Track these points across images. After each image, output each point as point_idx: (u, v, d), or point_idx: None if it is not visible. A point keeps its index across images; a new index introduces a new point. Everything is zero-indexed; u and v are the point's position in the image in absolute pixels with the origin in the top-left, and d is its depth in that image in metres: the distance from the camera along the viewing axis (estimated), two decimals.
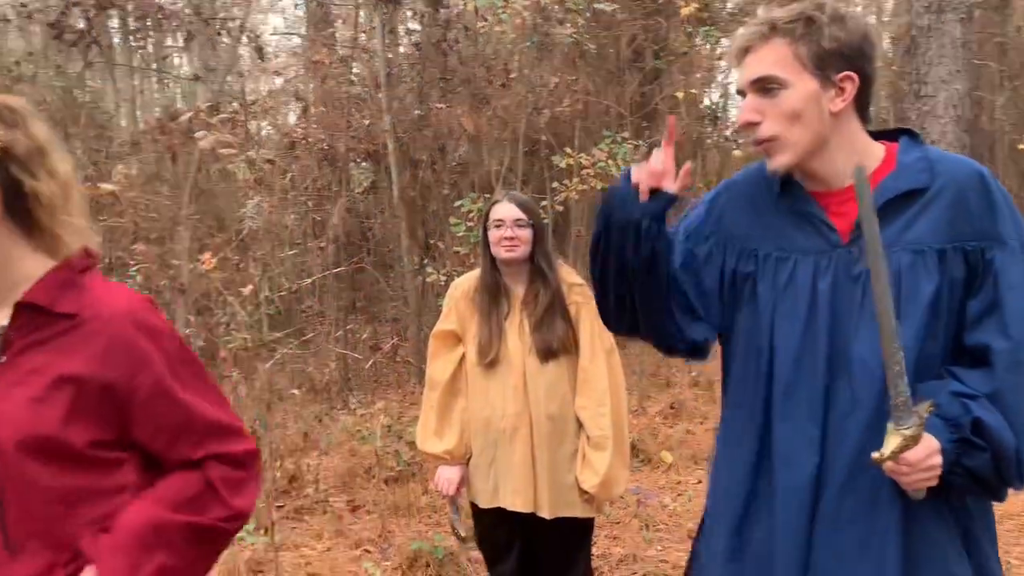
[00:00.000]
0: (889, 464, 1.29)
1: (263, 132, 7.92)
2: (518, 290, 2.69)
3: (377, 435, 4.82)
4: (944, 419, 1.32)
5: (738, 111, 1.40)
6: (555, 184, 6.16)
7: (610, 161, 5.70)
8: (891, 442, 1.28)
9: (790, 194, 1.47)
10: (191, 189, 5.45)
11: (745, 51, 1.41)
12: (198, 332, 4.58)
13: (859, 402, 1.37)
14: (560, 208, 6.09)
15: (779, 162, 1.40)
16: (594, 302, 2.68)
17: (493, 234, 2.64)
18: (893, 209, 1.38)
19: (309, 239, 7.45)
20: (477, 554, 3.35)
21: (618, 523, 4.06)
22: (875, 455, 1.28)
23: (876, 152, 1.44)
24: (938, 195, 1.37)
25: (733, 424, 1.54)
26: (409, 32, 8.15)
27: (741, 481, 1.49)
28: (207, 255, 3.52)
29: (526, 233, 2.63)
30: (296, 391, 5.33)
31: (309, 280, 6.17)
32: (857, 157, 1.40)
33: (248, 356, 4.92)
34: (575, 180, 5.99)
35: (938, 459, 1.30)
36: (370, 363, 6.40)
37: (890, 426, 1.29)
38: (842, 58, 1.37)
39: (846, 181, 1.41)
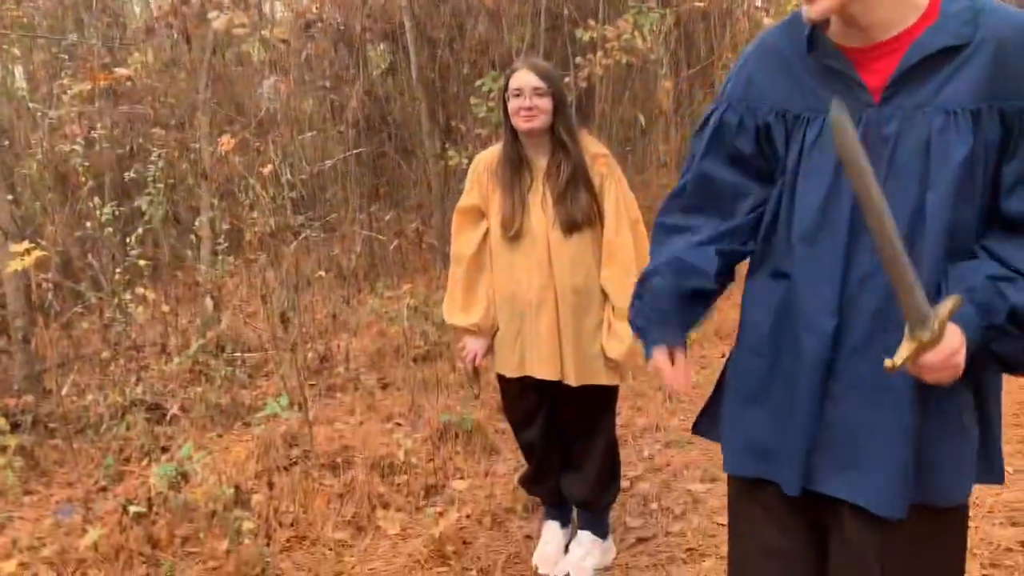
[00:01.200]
0: (906, 368, 1.26)
1: (277, 14, 7.71)
2: (540, 162, 2.66)
3: (404, 316, 4.89)
4: (977, 305, 1.28)
5: None
6: (578, 59, 5.98)
7: (636, 33, 5.50)
8: (904, 349, 1.23)
9: (820, 50, 1.40)
10: (208, 73, 5.37)
11: None
12: (222, 216, 4.62)
13: (879, 265, 1.33)
14: (584, 84, 5.92)
15: (820, 6, 1.30)
16: (619, 172, 2.67)
17: (512, 104, 2.59)
18: (930, 67, 1.31)
19: (328, 123, 7.36)
20: (504, 424, 3.45)
21: (642, 395, 4.14)
22: (887, 363, 1.24)
23: (920, 1, 1.33)
24: (978, 50, 1.29)
25: (756, 283, 1.54)
26: None
27: (764, 337, 1.50)
28: (226, 138, 3.50)
29: (545, 102, 2.57)
30: (323, 273, 5.38)
31: (330, 162, 6.13)
32: (901, 5, 1.32)
33: (274, 241, 4.97)
34: (599, 54, 5.80)
35: (961, 357, 1.26)
36: (394, 246, 6.43)
37: (905, 331, 1.24)
38: None
39: (886, 33, 1.34)
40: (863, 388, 1.39)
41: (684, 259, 1.56)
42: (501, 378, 2.82)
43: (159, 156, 4.96)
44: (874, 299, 1.36)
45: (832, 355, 1.40)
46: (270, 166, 3.83)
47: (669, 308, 1.58)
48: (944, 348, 1.24)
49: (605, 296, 2.64)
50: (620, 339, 2.59)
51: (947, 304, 1.23)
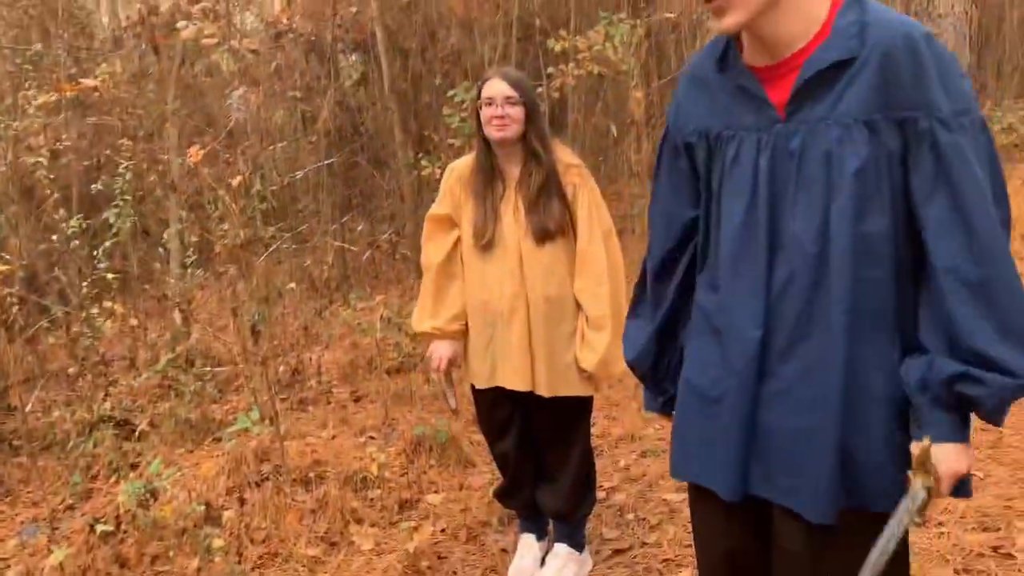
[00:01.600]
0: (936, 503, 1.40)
1: (247, 25, 7.66)
2: (513, 171, 2.65)
3: (377, 327, 4.85)
4: (934, 399, 1.35)
5: None
6: (550, 69, 5.99)
7: (607, 43, 5.52)
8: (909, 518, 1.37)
9: (731, 70, 1.46)
10: (176, 84, 5.32)
11: None
12: (191, 228, 4.56)
13: (795, 275, 1.40)
14: (556, 94, 5.93)
15: (731, 20, 1.33)
16: (592, 182, 2.67)
17: (484, 113, 2.59)
18: (825, 81, 1.34)
19: (299, 134, 7.31)
20: (478, 436, 3.43)
21: (617, 405, 4.14)
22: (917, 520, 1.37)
23: (820, 13, 1.36)
24: (866, 63, 1.31)
25: (699, 295, 1.60)
26: None
27: (703, 349, 1.56)
28: (195, 149, 3.46)
29: (518, 111, 2.56)
30: (294, 285, 5.34)
31: (301, 173, 6.09)
32: (804, 20, 1.35)
33: (244, 253, 4.92)
34: (571, 65, 5.82)
35: (965, 461, 1.37)
36: (366, 256, 6.39)
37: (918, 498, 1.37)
38: None
39: (789, 49, 1.37)
40: (790, 395, 1.44)
41: (634, 352, 1.73)
42: (474, 389, 2.80)
43: (127, 168, 4.89)
44: (793, 308, 1.41)
45: (760, 363, 1.45)
46: (240, 177, 3.79)
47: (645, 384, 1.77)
48: (945, 475, 1.36)
49: (578, 306, 2.63)
50: (593, 349, 2.58)
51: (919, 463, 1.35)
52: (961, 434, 1.37)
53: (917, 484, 1.37)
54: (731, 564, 1.62)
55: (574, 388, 2.64)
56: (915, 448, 1.37)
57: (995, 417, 1.36)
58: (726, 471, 1.51)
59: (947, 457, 1.36)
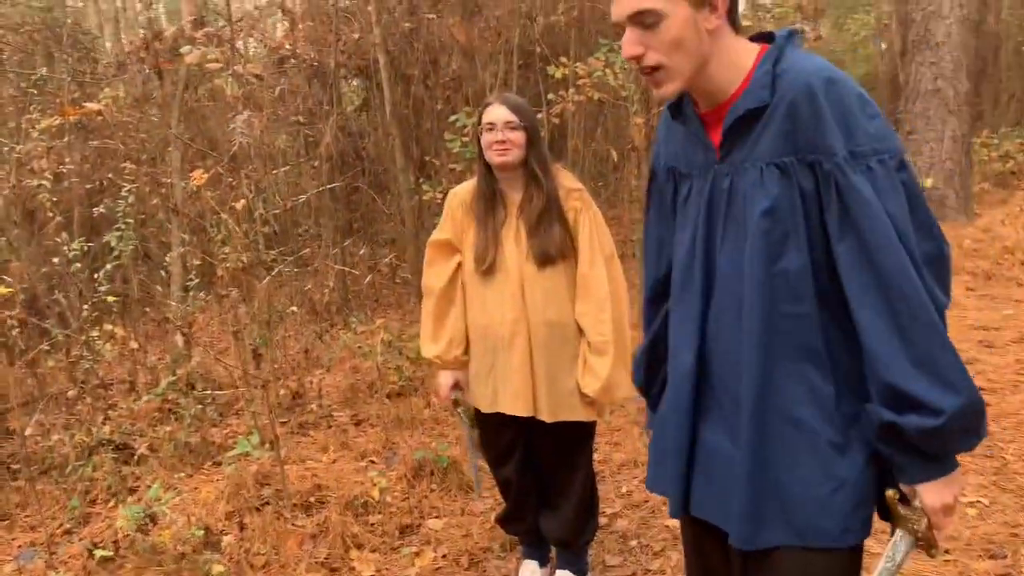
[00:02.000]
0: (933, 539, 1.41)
1: (251, 50, 7.73)
2: (514, 196, 2.66)
3: (378, 351, 4.84)
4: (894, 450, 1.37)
5: (621, 46, 1.44)
6: (551, 96, 6.04)
7: (607, 70, 5.56)
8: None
9: (683, 113, 1.56)
10: (180, 107, 5.34)
11: None
12: (194, 252, 4.56)
13: (724, 308, 1.48)
14: (556, 120, 5.97)
15: (668, 90, 1.44)
16: (594, 207, 2.68)
17: (485, 138, 2.60)
18: (745, 127, 1.43)
19: (302, 159, 7.35)
20: (480, 460, 3.41)
21: (619, 430, 4.12)
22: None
23: (745, 64, 1.45)
24: (775, 110, 1.39)
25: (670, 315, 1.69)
26: None
27: (667, 367, 1.64)
28: (198, 172, 3.47)
29: (518, 136, 2.57)
30: (295, 308, 5.34)
31: (303, 197, 6.11)
32: (731, 73, 1.44)
33: (245, 275, 4.92)
34: (571, 91, 5.87)
35: (948, 492, 1.37)
36: (367, 280, 6.39)
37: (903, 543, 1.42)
38: None
39: (723, 96, 1.45)
40: (720, 419, 1.51)
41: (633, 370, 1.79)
42: (477, 413, 2.79)
43: (129, 191, 4.91)
44: (724, 337, 1.49)
45: (696, 386, 1.54)
46: (243, 201, 3.80)
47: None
48: (936, 515, 1.38)
49: (580, 331, 2.63)
50: (595, 374, 2.57)
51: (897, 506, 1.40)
52: (932, 471, 1.36)
53: (896, 535, 1.40)
54: None
55: (576, 413, 2.63)
56: (889, 496, 1.40)
57: (944, 459, 1.36)
58: (673, 486, 1.58)
59: (927, 495, 1.36)
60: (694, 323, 1.53)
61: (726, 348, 1.49)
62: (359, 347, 5.15)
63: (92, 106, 5.31)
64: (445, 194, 3.19)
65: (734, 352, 1.47)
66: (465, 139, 5.73)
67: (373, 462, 3.96)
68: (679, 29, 1.38)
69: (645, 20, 1.38)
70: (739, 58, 1.45)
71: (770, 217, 1.39)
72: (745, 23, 6.72)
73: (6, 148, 5.22)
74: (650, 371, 1.74)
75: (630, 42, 1.41)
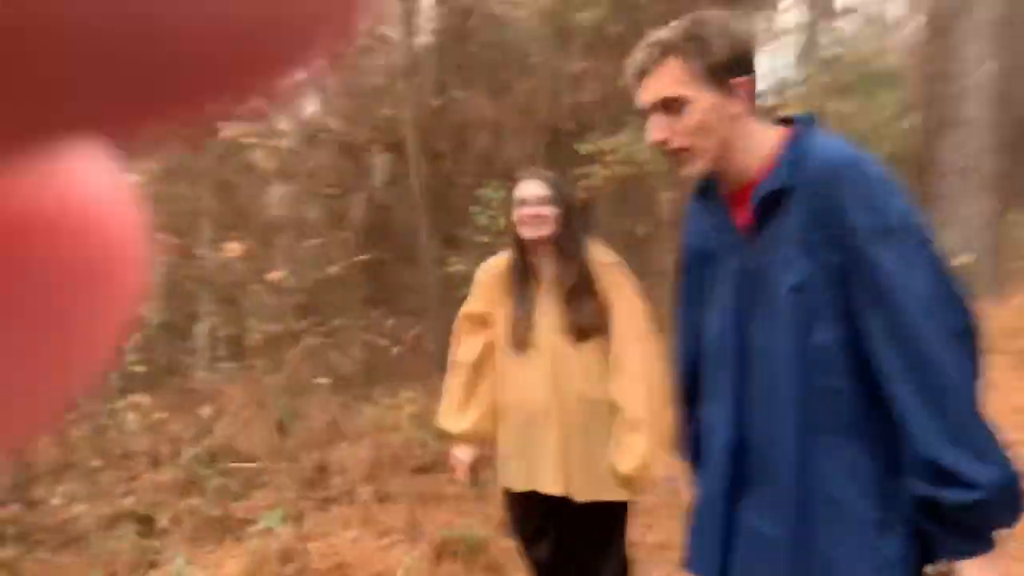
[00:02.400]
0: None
1: (282, 123, 7.93)
2: (548, 271, 2.66)
3: (404, 425, 4.81)
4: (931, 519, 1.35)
5: (647, 130, 1.50)
6: (579, 171, 6.12)
7: (635, 146, 5.65)
8: None
9: (710, 196, 1.61)
10: (212, 179, 5.47)
11: (642, 73, 1.49)
12: (223, 322, 4.60)
13: (760, 385, 1.50)
14: (585, 195, 6.04)
15: (693, 170, 1.49)
16: (629, 280, 2.68)
17: (517, 213, 2.62)
18: (771, 207, 1.47)
19: (330, 230, 7.45)
20: (508, 542, 3.33)
21: (652, 511, 4.02)
22: None
23: (769, 145, 1.50)
24: (799, 191, 1.43)
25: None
26: (429, 20, 8.12)
27: (704, 449, 1.64)
28: (235, 244, 3.53)
29: (550, 211, 2.59)
30: (324, 379, 5.34)
31: (333, 268, 6.18)
32: (755, 156, 1.49)
33: (272, 347, 4.94)
34: (599, 167, 5.95)
35: (990, 571, 1.33)
36: (394, 351, 6.40)
37: None
38: (734, 65, 1.46)
39: (747, 178, 1.50)
40: (759, 501, 1.50)
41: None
42: (506, 492, 2.74)
43: (160, 262, 4.98)
44: (760, 417, 1.49)
45: (733, 467, 1.53)
46: (277, 272, 3.84)
47: None
48: None
49: (615, 407, 2.59)
50: (630, 452, 2.52)
51: None
52: (972, 547, 1.33)
53: None
54: None
55: (611, 493, 2.58)
56: (929, 574, 1.37)
57: (984, 535, 1.32)
58: (712, 571, 1.56)
59: (968, 572, 1.33)
60: (729, 402, 1.54)
61: (763, 426, 1.49)
62: (384, 420, 5.12)
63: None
64: (470, 267, 3.21)
65: (771, 430, 1.47)
66: (492, 212, 5.80)
67: (398, 540, 3.90)
68: (703, 114, 1.44)
69: (670, 106, 1.44)
70: (762, 141, 1.50)
71: (799, 293, 1.42)
72: (772, 100, 6.82)
73: None
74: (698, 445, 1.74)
75: (656, 127, 1.46)
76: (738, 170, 1.50)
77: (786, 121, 1.55)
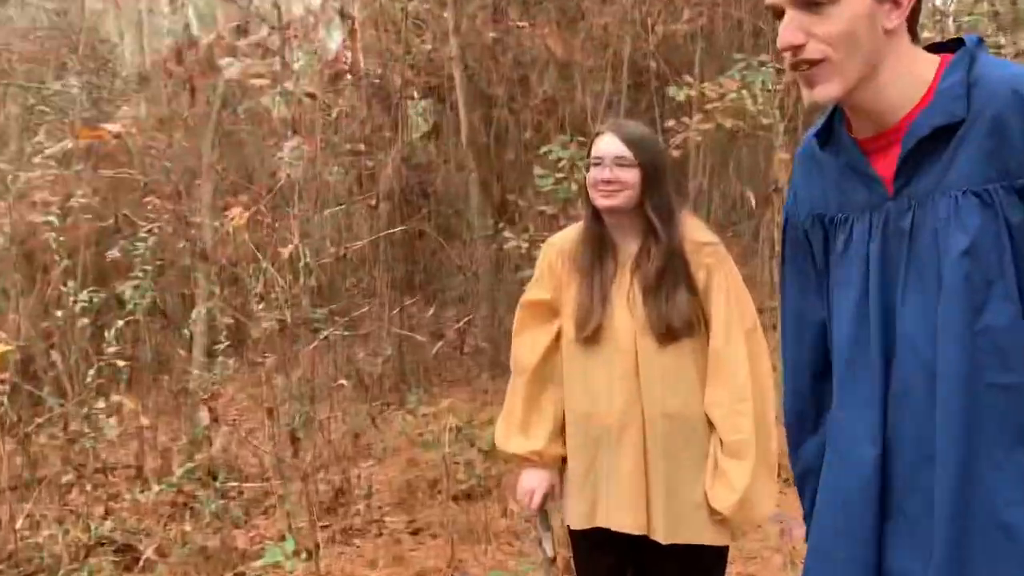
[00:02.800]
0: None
1: (299, 62, 8.02)
2: (628, 248, 2.64)
3: (444, 441, 4.85)
4: None
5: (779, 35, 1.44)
6: (670, 122, 6.06)
7: (744, 92, 5.56)
8: None
9: (835, 145, 1.57)
10: (215, 132, 5.56)
11: None
12: (224, 308, 4.68)
13: (911, 385, 1.44)
14: (677, 153, 5.98)
15: (825, 92, 1.44)
16: (731, 265, 2.65)
17: (591, 175, 2.60)
18: (929, 150, 1.43)
19: (355, 196, 7.52)
20: None
21: (754, 558, 4.01)
22: None
23: (925, 75, 1.46)
24: (973, 127, 1.39)
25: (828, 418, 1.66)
26: None
27: (822, 480, 1.61)
28: (236, 210, 3.58)
29: (630, 175, 2.56)
30: (344, 381, 5.40)
31: (357, 245, 6.25)
32: (908, 86, 1.45)
33: (284, 340, 5.02)
34: (697, 117, 5.87)
35: None
36: (434, 348, 6.45)
37: None
38: None
39: (894, 117, 1.46)
40: (914, 535, 1.45)
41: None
42: (570, 529, 2.74)
43: (149, 232, 5.09)
44: (912, 425, 1.45)
45: (879, 493, 1.48)
46: (291, 247, 3.89)
47: None
48: None
49: (711, 426, 2.57)
50: (731, 486, 2.50)
51: None
52: None
53: None
54: None
55: (703, 535, 2.56)
56: None
57: None
58: None
59: None
60: (873, 409, 1.49)
61: (915, 437, 1.44)
62: (419, 434, 5.17)
63: (109, 127, 5.57)
64: (531, 244, 3.21)
65: (926, 441, 1.42)
66: (560, 175, 5.78)
67: None
68: (852, 21, 1.40)
69: (812, 3, 1.40)
70: (918, 68, 1.47)
71: (970, 258, 1.38)
72: (924, 34, 6.67)
73: (9, 177, 5.49)
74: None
75: (790, 28, 1.41)
76: (884, 105, 1.46)
77: (944, 47, 1.51)
